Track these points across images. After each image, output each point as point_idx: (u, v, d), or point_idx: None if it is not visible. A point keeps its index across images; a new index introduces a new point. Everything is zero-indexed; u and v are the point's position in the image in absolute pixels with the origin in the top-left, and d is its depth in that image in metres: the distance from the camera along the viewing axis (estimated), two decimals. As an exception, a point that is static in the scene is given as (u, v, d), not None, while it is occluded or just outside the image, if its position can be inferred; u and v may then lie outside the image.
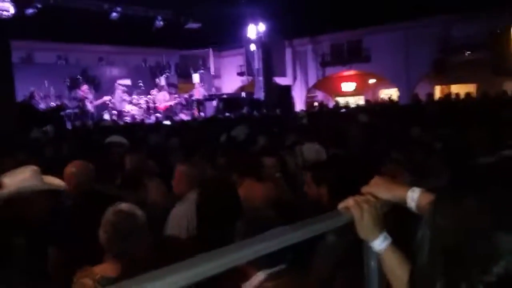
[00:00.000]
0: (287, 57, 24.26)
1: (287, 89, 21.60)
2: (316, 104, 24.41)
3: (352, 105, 18.44)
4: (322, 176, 2.79)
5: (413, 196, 1.31)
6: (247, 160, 3.60)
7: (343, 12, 20.43)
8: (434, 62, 22.06)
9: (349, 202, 1.34)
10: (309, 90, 27.36)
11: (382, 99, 23.07)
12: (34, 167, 2.40)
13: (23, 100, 14.89)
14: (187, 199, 3.02)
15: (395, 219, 1.41)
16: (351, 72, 26.64)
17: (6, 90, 13.07)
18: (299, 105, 24.48)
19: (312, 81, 27.03)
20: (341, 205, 1.36)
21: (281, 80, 22.29)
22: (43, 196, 2.36)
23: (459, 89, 19.77)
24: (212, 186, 2.74)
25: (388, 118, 10.17)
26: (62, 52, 20.54)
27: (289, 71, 24.44)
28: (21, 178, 2.33)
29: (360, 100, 24.49)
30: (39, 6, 14.56)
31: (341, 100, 25.61)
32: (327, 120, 10.76)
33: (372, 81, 26.57)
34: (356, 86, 27.41)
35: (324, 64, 26.42)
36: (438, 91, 23.51)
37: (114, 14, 16.18)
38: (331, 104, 23.34)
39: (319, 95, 28.22)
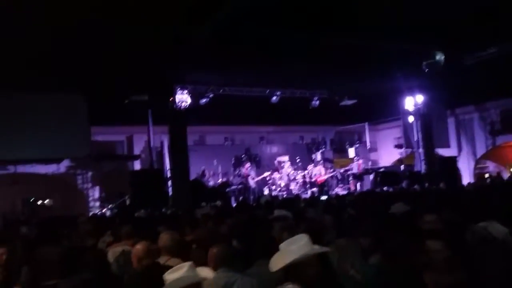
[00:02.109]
0: (450, 127, 22.81)
1: (452, 160, 20.11)
2: (487, 176, 22.06)
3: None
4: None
5: None
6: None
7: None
8: None
9: None
10: (477, 161, 24.96)
11: None
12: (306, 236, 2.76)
13: (195, 178, 16.65)
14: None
15: None
16: (528, 140, 23.68)
17: (182, 170, 14.86)
18: (467, 178, 22.40)
19: (480, 151, 24.66)
20: None
21: (444, 152, 20.91)
22: (314, 260, 2.66)
23: None
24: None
25: None
26: (229, 134, 22.65)
27: (453, 141, 22.85)
28: (298, 245, 2.68)
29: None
30: (211, 95, 16.63)
31: (518, 171, 22.72)
32: (499, 194, 9.61)
33: (556, 148, 23.17)
34: (535, 155, 24.15)
35: (494, 132, 24.04)
36: None
37: (274, 98, 17.56)
38: (505, 175, 20.85)
39: (490, 166, 25.49)
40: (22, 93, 14.49)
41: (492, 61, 15.21)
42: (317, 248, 2.72)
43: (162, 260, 4.26)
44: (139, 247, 4.24)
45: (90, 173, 20.15)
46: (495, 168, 25.02)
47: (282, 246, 2.74)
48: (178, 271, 2.74)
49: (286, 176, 18.21)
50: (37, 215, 14.30)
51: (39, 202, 16.81)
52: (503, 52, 14.59)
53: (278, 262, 2.66)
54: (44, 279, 3.54)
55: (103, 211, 16.70)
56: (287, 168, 18.27)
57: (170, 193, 15.27)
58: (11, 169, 17.74)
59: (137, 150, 20.99)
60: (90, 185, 20.22)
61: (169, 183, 15.70)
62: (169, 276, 2.73)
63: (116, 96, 15.80)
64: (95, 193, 20.11)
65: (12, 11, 9.57)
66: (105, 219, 10.31)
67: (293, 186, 17.92)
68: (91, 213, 16.52)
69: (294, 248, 2.65)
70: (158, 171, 17.12)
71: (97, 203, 19.59)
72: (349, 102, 19.11)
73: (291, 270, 2.60)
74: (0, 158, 15.79)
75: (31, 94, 14.71)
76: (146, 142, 19.16)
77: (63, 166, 19.14)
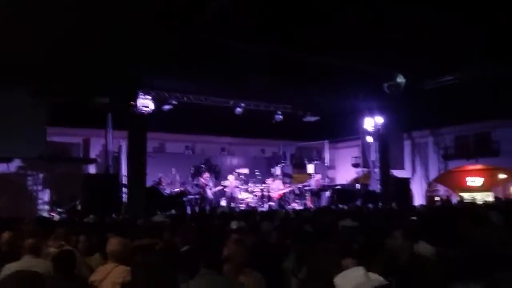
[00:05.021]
0: (406, 149, 23.50)
1: (406, 182, 20.71)
2: (437, 199, 22.85)
3: (479, 202, 16.88)
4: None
5: None
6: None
7: (469, 104, 19.48)
8: None
9: None
10: (429, 184, 25.83)
11: (515, 196, 20.81)
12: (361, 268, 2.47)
13: (152, 185, 16.33)
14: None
15: None
16: (478, 166, 24.74)
17: (139, 176, 14.56)
18: (419, 200, 23.10)
19: (433, 174, 25.58)
20: None
21: (398, 173, 21.50)
22: None
23: None
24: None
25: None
26: (190, 143, 22.46)
27: (407, 163, 23.55)
28: (353, 277, 2.41)
29: (488, 197, 22.35)
30: (174, 102, 16.43)
31: (467, 196, 23.63)
32: (447, 218, 9.92)
33: (502, 176, 24.29)
34: (483, 181, 25.23)
35: (446, 157, 24.99)
36: None
37: (238, 109, 17.55)
38: (454, 200, 21.66)
39: (441, 190, 26.44)
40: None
41: (449, 87, 15.86)
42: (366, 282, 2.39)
43: (109, 266, 4.11)
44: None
45: (41, 175, 19.40)
46: (445, 192, 25.95)
47: (337, 281, 2.46)
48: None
49: (244, 189, 18.17)
50: (-19, 215, 13.57)
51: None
52: (460, 79, 15.24)
53: None
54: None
55: (52, 214, 16.05)
56: (233, 180, 18.12)
57: (125, 199, 14.91)
58: (-43, 165, 16.86)
59: (93, 154, 20.44)
60: (40, 187, 19.45)
61: (124, 189, 15.33)
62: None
63: (75, 96, 15.35)
64: (46, 196, 19.35)
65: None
66: (51, 222, 9.91)
67: (250, 199, 17.89)
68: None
69: (344, 281, 2.41)
70: (113, 176, 16.65)
71: (47, 207, 18.84)
72: (312, 119, 19.37)
73: None
74: None
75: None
76: (104, 146, 18.68)
77: (13, 165, 18.33)
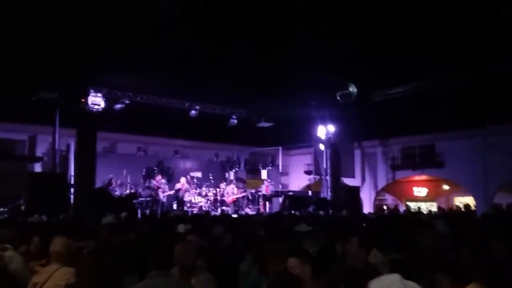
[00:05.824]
0: (356, 158, 24.14)
1: (356, 190, 21.23)
2: (385, 207, 23.55)
3: (424, 211, 17.55)
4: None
5: None
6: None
7: (415, 116, 20.27)
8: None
9: None
10: (378, 193, 26.64)
11: (456, 206, 21.80)
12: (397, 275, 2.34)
13: (101, 186, 15.82)
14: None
15: None
16: (423, 177, 25.77)
17: (88, 176, 14.08)
18: (368, 208, 23.75)
19: (381, 183, 26.41)
20: None
21: (349, 181, 22.01)
22: None
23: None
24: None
25: (465, 228, 9.45)
26: (142, 144, 21.95)
27: (357, 172, 24.18)
28: (388, 283, 2.29)
29: (432, 207, 23.31)
30: (127, 102, 16.02)
31: (412, 205, 24.56)
32: (396, 226, 10.24)
33: (445, 187, 25.43)
34: (428, 192, 26.32)
35: (394, 167, 25.89)
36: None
37: (193, 111, 17.35)
38: (401, 209, 22.42)
39: (389, 199, 27.33)
40: None
41: (398, 99, 16.37)
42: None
43: (53, 268, 3.92)
44: None
45: (-18, 172, 18.35)
46: (393, 201, 26.83)
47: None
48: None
49: (197, 193, 17.98)
50: None
51: None
52: (408, 92, 15.78)
53: None
54: None
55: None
56: (184, 183, 17.87)
57: (72, 199, 14.37)
58: None
59: (39, 152, 19.58)
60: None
61: (72, 189, 14.78)
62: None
63: (22, 90, 14.62)
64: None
65: None
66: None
67: (203, 203, 17.73)
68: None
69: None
70: (60, 175, 16.01)
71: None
72: (266, 125, 19.48)
73: None
74: None
75: None
76: (51, 144, 17.93)
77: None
